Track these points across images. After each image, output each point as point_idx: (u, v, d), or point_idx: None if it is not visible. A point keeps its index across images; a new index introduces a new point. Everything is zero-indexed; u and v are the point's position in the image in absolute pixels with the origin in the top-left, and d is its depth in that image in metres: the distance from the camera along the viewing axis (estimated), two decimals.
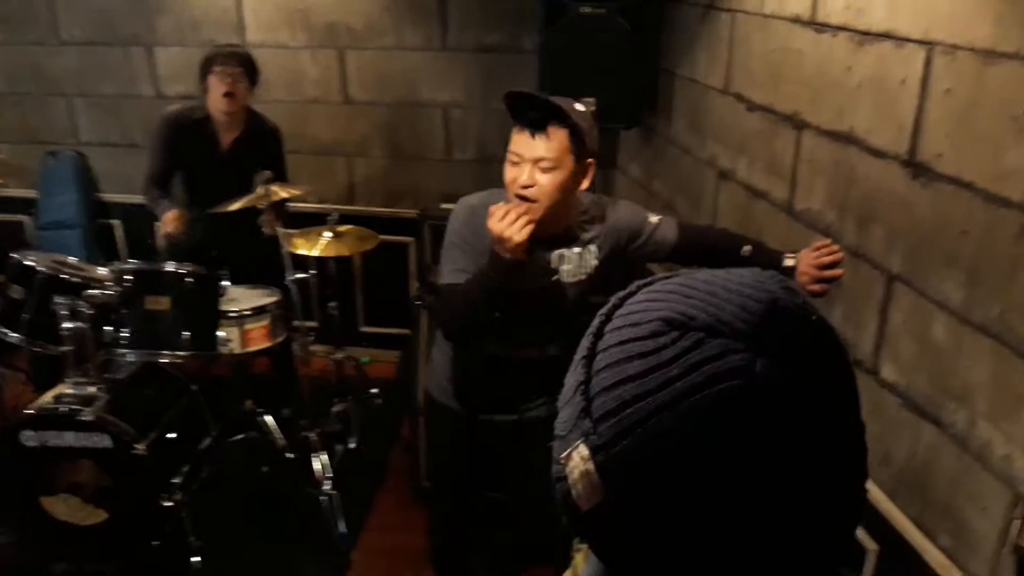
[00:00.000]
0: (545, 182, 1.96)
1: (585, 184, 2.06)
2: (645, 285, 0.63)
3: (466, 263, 2.05)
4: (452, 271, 2.09)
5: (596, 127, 2.06)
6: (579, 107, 2.01)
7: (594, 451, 0.56)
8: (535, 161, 1.95)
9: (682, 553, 0.56)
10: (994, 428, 1.54)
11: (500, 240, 1.90)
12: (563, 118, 1.94)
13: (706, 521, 0.54)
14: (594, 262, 2.15)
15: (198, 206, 3.35)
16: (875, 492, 1.88)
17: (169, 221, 3.28)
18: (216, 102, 3.29)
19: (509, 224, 1.88)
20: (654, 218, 2.22)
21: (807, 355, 0.56)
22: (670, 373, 0.54)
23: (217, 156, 3.41)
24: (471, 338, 2.23)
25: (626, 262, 2.20)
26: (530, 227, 1.90)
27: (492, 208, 1.94)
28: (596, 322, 0.62)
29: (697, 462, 0.53)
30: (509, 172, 2.01)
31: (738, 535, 0.55)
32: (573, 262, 2.13)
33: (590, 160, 2.03)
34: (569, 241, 2.13)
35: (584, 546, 0.74)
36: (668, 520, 0.55)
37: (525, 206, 1.93)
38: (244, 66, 3.30)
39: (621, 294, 0.64)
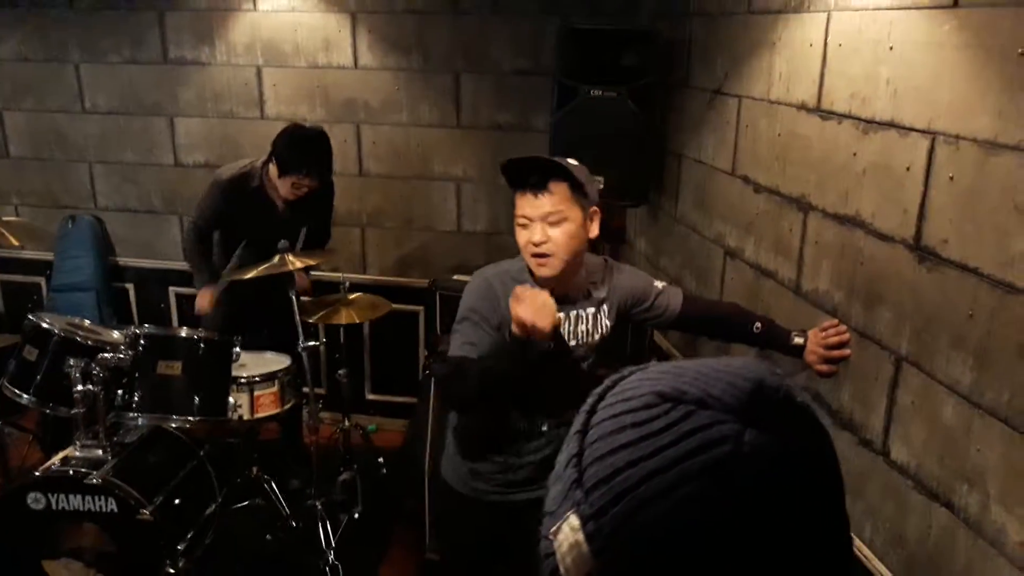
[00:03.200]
0: (557, 235, 2.01)
1: (594, 231, 2.11)
2: (639, 369, 0.66)
3: (478, 337, 2.07)
4: (462, 344, 2.10)
5: (592, 179, 2.12)
6: (572, 162, 2.08)
7: (584, 520, 0.57)
8: (543, 218, 2.01)
9: None
10: (1008, 513, 1.55)
11: (529, 329, 1.87)
12: (561, 172, 2.01)
13: None
14: (607, 323, 2.19)
15: (250, 262, 3.37)
16: (886, 574, 1.87)
17: (206, 303, 3.42)
18: (279, 194, 3.37)
19: (537, 311, 1.86)
20: (659, 284, 2.26)
21: (793, 429, 0.58)
22: (662, 440, 0.55)
23: (269, 220, 3.45)
24: (475, 410, 2.24)
25: (630, 327, 2.23)
26: (558, 317, 1.91)
27: (517, 290, 1.92)
28: (590, 401, 0.64)
29: (688, 527, 0.54)
30: (521, 236, 2.06)
31: None
32: (588, 322, 2.17)
33: (594, 208, 2.09)
34: (584, 301, 2.17)
35: None
36: None
37: (546, 292, 1.93)
38: (318, 177, 3.32)
39: (615, 376, 0.66)
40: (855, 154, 2.02)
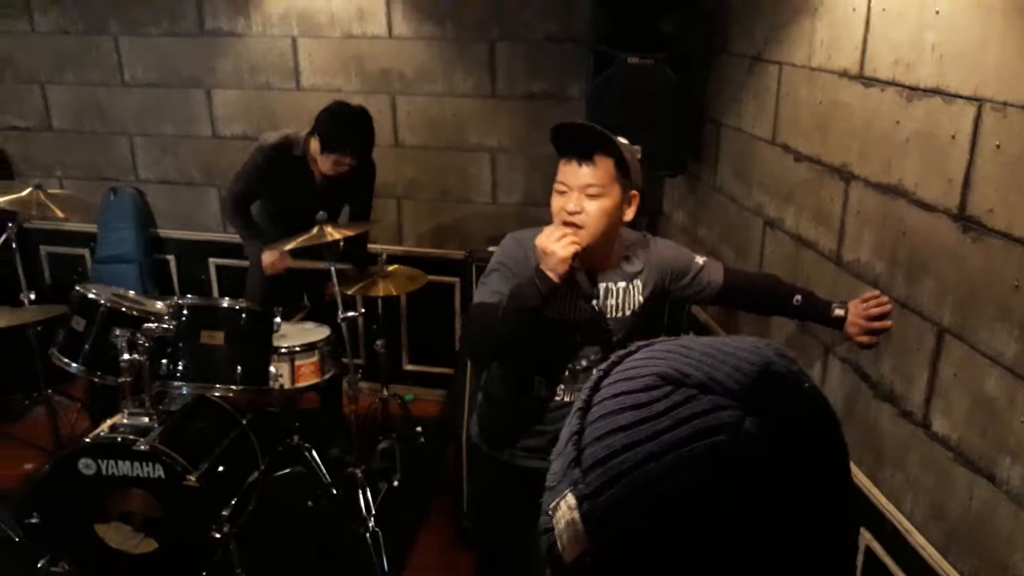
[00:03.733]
0: (592, 209, 2.01)
1: (629, 215, 2.09)
2: (645, 346, 0.65)
3: (503, 287, 2.07)
4: (487, 292, 2.11)
5: (639, 164, 2.10)
6: (622, 140, 2.06)
7: (580, 500, 0.56)
8: (582, 188, 2.00)
9: None
10: None
11: (544, 253, 1.94)
12: (610, 146, 1.99)
13: (686, 574, 0.54)
14: (640, 298, 2.17)
15: (283, 235, 3.36)
16: (927, 547, 1.87)
17: (275, 264, 3.44)
18: (320, 169, 3.39)
19: (556, 240, 1.93)
20: (700, 259, 2.25)
21: (796, 418, 0.57)
22: (660, 425, 0.55)
23: (308, 190, 3.48)
24: (493, 357, 2.25)
25: (668, 302, 2.22)
26: (576, 247, 1.94)
27: (545, 228, 1.99)
28: (594, 377, 0.64)
29: (680, 514, 0.53)
30: (556, 201, 2.06)
31: None
32: (618, 296, 2.15)
33: (635, 192, 2.07)
34: (614, 275, 2.16)
35: None
36: (649, 573, 0.55)
37: (573, 230, 1.98)
38: (358, 156, 3.34)
39: (620, 352, 0.65)
40: (898, 122, 1.98)
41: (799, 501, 0.56)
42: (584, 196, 2.01)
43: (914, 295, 1.95)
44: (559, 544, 0.58)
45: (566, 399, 2.21)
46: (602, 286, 2.15)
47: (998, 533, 1.67)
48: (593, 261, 2.10)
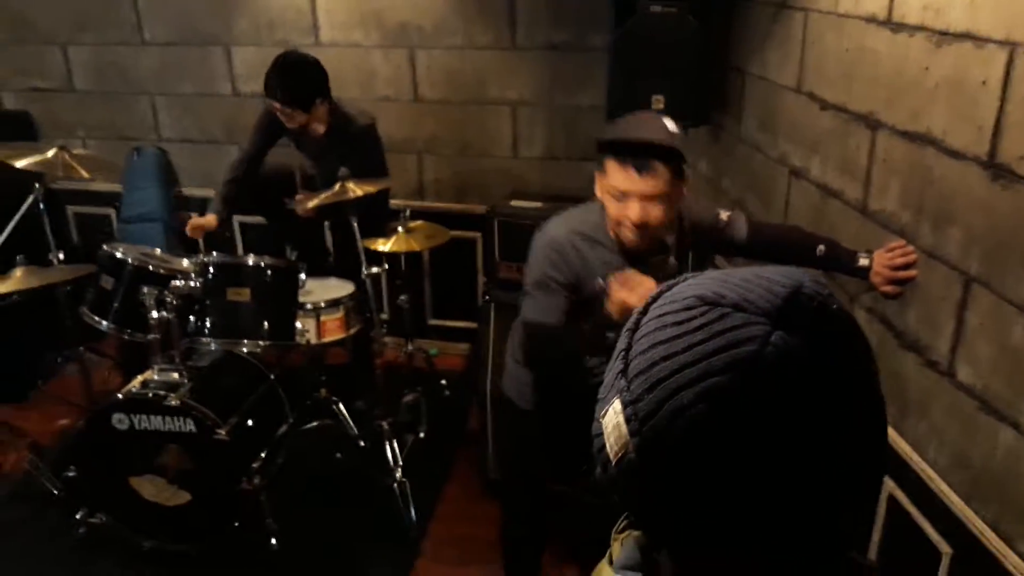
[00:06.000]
0: (656, 213, 1.98)
1: (680, 196, 2.07)
2: (691, 276, 0.71)
3: (557, 302, 2.09)
4: (542, 309, 2.11)
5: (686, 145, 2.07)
6: (671, 126, 2.00)
7: (625, 405, 0.63)
8: (642, 196, 1.95)
9: (692, 509, 0.61)
10: None
11: (617, 300, 1.90)
12: (669, 155, 1.94)
13: (718, 477, 0.59)
14: (674, 262, 2.18)
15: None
16: (950, 495, 1.88)
17: (196, 226, 3.57)
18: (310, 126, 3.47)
19: (631, 290, 1.88)
20: (724, 214, 2.23)
21: (824, 335, 0.61)
22: (695, 338, 0.61)
23: (309, 145, 3.57)
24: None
25: (692, 254, 2.22)
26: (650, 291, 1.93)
27: (621, 276, 1.93)
28: (646, 304, 0.70)
29: (708, 418, 0.59)
30: (614, 208, 2.01)
31: (750, 496, 0.59)
32: (661, 269, 2.14)
33: (687, 173, 2.05)
34: (657, 251, 2.15)
35: (621, 536, 0.80)
36: (680, 472, 0.60)
37: (650, 281, 1.91)
38: (289, 103, 3.35)
39: (670, 282, 0.72)
40: (927, 68, 1.94)
41: (823, 413, 0.60)
42: (645, 202, 1.96)
43: (941, 244, 1.93)
44: (607, 445, 0.65)
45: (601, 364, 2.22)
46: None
47: (1022, 479, 1.68)
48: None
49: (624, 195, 1.97)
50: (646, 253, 2.11)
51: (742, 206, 3.20)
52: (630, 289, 1.89)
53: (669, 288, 0.70)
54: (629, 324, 0.69)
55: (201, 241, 3.57)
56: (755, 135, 3.15)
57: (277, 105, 3.35)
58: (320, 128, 3.48)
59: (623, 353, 0.67)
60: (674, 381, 0.60)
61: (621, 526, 0.81)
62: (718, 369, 0.59)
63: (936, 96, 1.91)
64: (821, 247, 2.17)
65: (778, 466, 0.59)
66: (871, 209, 2.25)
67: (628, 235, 2.04)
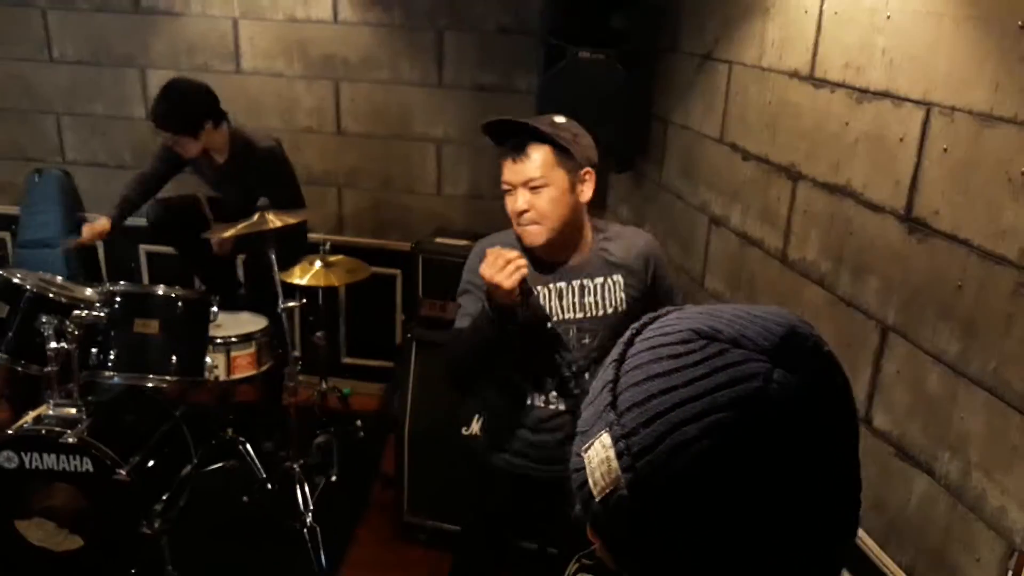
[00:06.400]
0: (540, 202, 1.98)
1: (587, 194, 2.06)
2: (675, 310, 0.70)
3: (474, 308, 2.05)
4: (461, 315, 2.10)
5: (586, 135, 2.08)
6: (558, 119, 2.03)
7: (616, 439, 0.61)
8: (524, 184, 1.98)
9: (686, 547, 0.60)
10: (988, 479, 1.58)
11: (491, 285, 1.90)
12: (539, 135, 1.97)
13: (716, 513, 0.59)
14: (621, 295, 2.11)
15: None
16: (866, 539, 1.91)
17: (93, 232, 3.50)
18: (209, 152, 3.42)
19: (499, 269, 1.88)
20: (679, 297, 2.24)
21: (819, 373, 0.63)
22: (696, 372, 0.60)
23: (212, 173, 3.49)
24: (469, 382, 2.23)
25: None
26: (521, 272, 1.90)
27: (488, 250, 1.94)
28: (627, 334, 0.69)
29: (712, 454, 0.58)
30: (508, 203, 2.03)
31: (747, 532, 0.59)
32: (596, 293, 2.10)
33: (586, 169, 2.04)
34: (591, 268, 2.11)
35: (575, 567, 0.78)
36: (677, 509, 0.59)
37: (516, 253, 1.92)
38: (176, 131, 3.29)
39: (652, 314, 0.71)
40: (848, 123, 2.02)
41: (822, 447, 0.61)
42: (528, 191, 1.98)
43: (859, 293, 1.99)
44: (591, 480, 0.63)
45: (560, 408, 2.15)
46: (576, 283, 2.10)
47: (936, 525, 1.72)
48: (563, 251, 2.07)
49: (511, 187, 2.00)
50: (574, 266, 2.09)
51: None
52: (488, 260, 1.90)
53: (652, 320, 0.69)
54: (613, 355, 0.67)
55: (104, 270, 3.41)
56: (677, 183, 3.22)
57: (166, 135, 3.28)
58: (220, 155, 3.39)
59: (610, 385, 0.64)
60: (676, 415, 0.59)
61: (573, 569, 0.78)
62: (723, 404, 0.58)
63: (856, 150, 1.99)
64: None
65: (777, 502, 0.59)
66: (791, 258, 2.31)
67: (522, 231, 2.04)
